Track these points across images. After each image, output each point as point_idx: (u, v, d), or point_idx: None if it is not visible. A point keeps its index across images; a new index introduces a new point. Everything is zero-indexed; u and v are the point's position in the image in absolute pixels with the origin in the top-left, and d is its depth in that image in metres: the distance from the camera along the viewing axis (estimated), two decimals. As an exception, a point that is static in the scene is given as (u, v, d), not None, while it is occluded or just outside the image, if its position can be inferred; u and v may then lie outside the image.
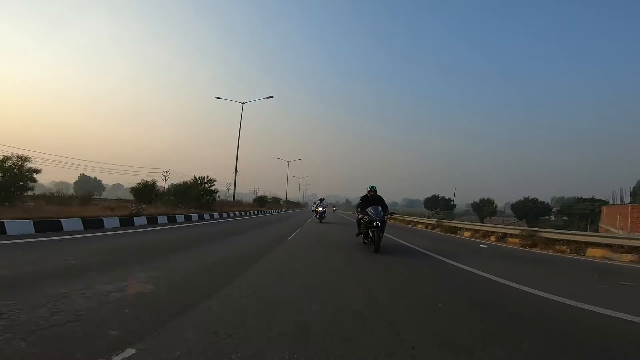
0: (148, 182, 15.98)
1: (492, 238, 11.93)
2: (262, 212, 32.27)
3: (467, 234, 13.90)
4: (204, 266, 4.52)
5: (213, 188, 18.67)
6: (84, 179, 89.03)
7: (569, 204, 61.53)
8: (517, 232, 10.83)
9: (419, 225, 19.72)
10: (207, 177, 18.25)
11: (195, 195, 17.00)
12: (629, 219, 25.95)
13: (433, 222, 17.77)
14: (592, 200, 55.85)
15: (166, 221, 11.12)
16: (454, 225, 15.45)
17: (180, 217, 12.47)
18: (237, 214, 22.24)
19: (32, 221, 6.15)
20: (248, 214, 25.43)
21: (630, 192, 71.23)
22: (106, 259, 4.42)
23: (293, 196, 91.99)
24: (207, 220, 14.63)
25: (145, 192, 15.41)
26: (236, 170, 29.45)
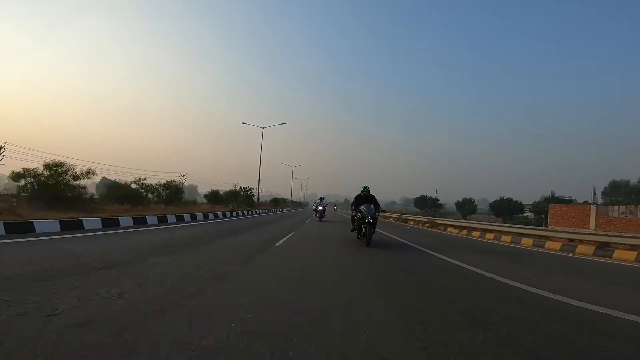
0: (215, 190, 25.62)
1: (420, 224, 21.37)
2: (277, 210, 41.84)
3: (411, 222, 23.34)
4: (287, 226, 13.95)
5: (251, 194, 28.29)
6: (105, 182, 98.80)
7: (538, 203, 70.76)
8: (426, 219, 20.33)
9: (390, 219, 29.18)
10: (248, 186, 27.98)
11: (242, 198, 26.65)
12: (549, 215, 35.32)
13: (396, 216, 27.26)
14: (557, 199, 65.01)
15: (241, 215, 20.68)
16: (406, 217, 24.98)
17: (245, 212, 22.14)
18: (264, 211, 31.89)
19: (212, 213, 15.60)
20: (269, 211, 35.08)
21: (602, 191, 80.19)
22: (240, 227, 13.89)
23: (295, 195, 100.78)
24: (255, 214, 24.20)
25: (214, 197, 25.02)
26: (259, 179, 38.95)
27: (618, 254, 8.17)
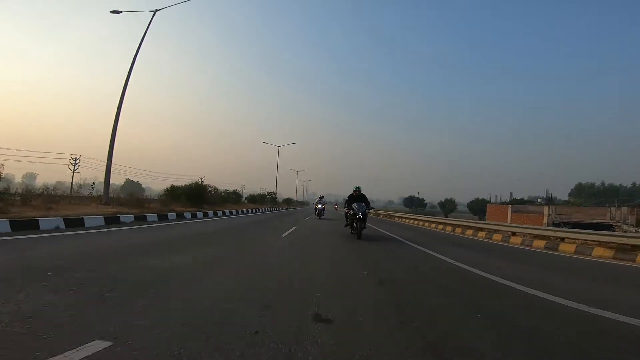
0: (253, 194, 38.81)
1: (384, 216, 34.39)
2: (288, 208, 54.98)
3: (381, 215, 36.38)
4: (304, 215, 26.95)
5: (275, 196, 41.47)
6: (129, 184, 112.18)
7: (501, 203, 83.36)
8: (385, 213, 33.52)
9: (371, 213, 42.22)
10: (274, 192, 41.14)
11: (269, 199, 39.84)
12: (487, 212, 48.03)
13: (374, 212, 40.41)
14: (522, 200, 77.51)
15: (275, 210, 33.69)
16: (378, 212, 38.23)
17: (275, 209, 35.28)
18: (282, 208, 45.11)
19: (262, 208, 28.58)
20: (285, 208, 48.27)
21: (569, 192, 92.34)
22: (279, 215, 26.99)
23: (297, 194, 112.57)
24: (280, 210, 37.17)
25: (252, 199, 38.16)
26: (276, 185, 52.12)
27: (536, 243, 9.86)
